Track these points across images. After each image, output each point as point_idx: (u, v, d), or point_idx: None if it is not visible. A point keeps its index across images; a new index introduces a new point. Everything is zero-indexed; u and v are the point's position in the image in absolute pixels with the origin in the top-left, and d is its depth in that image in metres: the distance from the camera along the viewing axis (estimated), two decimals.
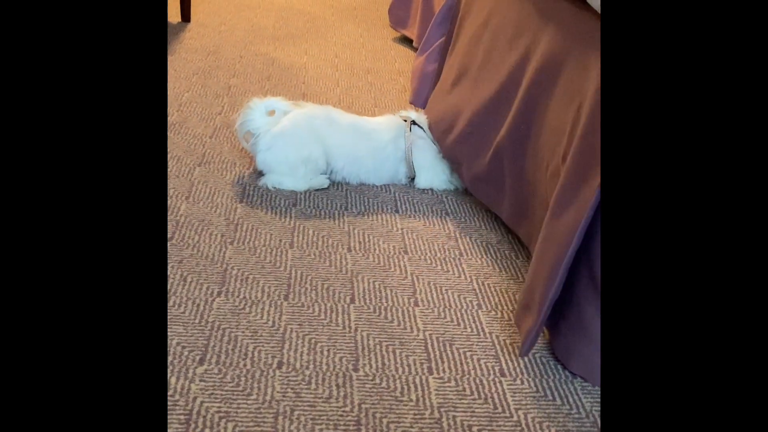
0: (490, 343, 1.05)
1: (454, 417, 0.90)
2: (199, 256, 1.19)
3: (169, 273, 1.13)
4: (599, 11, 0.98)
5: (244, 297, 1.09)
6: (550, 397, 0.95)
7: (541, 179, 1.13)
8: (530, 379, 0.98)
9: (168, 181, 1.41)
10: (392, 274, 1.20)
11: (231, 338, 1.00)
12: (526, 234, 1.20)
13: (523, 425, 0.90)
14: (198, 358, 0.96)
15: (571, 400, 0.95)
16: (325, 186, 1.46)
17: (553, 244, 0.95)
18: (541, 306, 0.94)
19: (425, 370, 0.98)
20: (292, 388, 0.92)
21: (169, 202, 1.34)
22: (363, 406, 0.90)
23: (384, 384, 0.94)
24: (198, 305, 1.06)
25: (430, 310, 1.11)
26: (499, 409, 0.92)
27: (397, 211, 1.41)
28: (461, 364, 1.00)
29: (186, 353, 0.96)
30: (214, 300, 1.08)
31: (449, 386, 0.95)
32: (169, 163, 1.49)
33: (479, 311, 1.12)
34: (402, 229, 1.34)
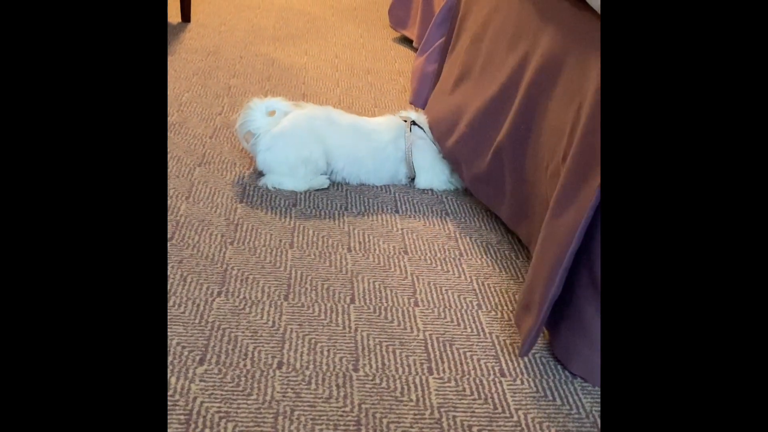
0: (490, 344, 1.05)
1: (454, 417, 0.90)
2: (199, 256, 1.19)
3: (169, 273, 1.13)
4: (599, 11, 0.98)
5: (244, 297, 1.09)
6: (550, 398, 0.95)
7: (541, 179, 1.13)
8: (530, 380, 0.98)
9: (168, 181, 1.41)
10: (392, 275, 1.20)
11: (231, 338, 1.00)
12: (526, 234, 1.20)
13: (523, 425, 0.90)
14: (198, 358, 0.96)
15: (571, 400, 0.95)
16: (325, 186, 1.46)
17: (553, 244, 0.95)
18: (541, 306, 0.94)
19: (425, 371, 0.98)
20: (292, 389, 0.92)
21: (169, 202, 1.34)
22: (363, 406, 0.90)
23: (384, 384, 0.94)
24: (198, 305, 1.06)
25: (430, 311, 1.11)
26: (499, 410, 0.92)
27: (397, 212, 1.41)
28: (461, 364, 1.00)
29: (186, 353, 0.96)
30: (214, 300, 1.08)
31: (449, 386, 0.95)
32: (169, 164, 1.49)
33: (479, 311, 1.12)
34: (402, 229, 1.34)
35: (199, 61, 2.12)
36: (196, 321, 1.03)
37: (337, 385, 0.93)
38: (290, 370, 0.95)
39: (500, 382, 0.97)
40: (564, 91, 1.08)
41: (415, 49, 2.36)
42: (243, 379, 0.93)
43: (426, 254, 1.27)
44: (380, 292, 1.14)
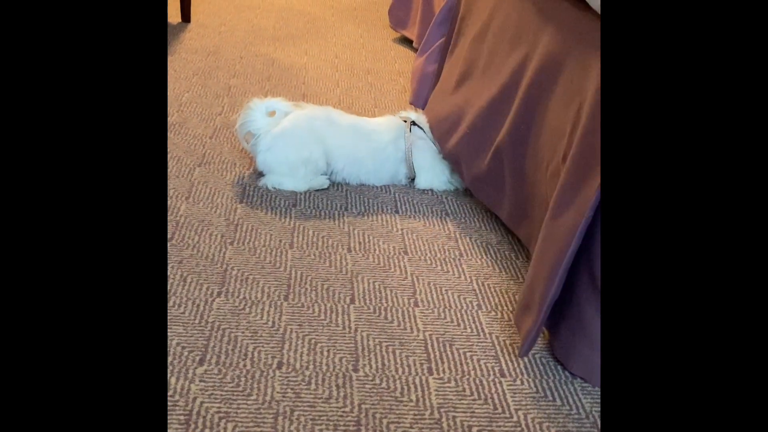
0: (490, 344, 1.05)
1: (454, 417, 0.90)
2: (199, 256, 1.19)
3: (169, 273, 1.13)
4: (599, 12, 0.98)
5: (244, 297, 1.09)
6: (550, 398, 0.95)
7: (541, 179, 1.13)
8: (530, 380, 0.98)
9: (168, 181, 1.41)
10: (392, 275, 1.20)
11: (231, 339, 1.00)
12: (526, 234, 1.20)
13: (523, 426, 0.90)
14: (198, 358, 0.96)
15: (571, 400, 0.95)
16: (325, 186, 1.46)
17: (553, 244, 0.95)
18: (541, 306, 0.94)
19: (425, 371, 0.98)
20: (292, 389, 0.92)
21: (169, 202, 1.34)
22: (363, 406, 0.90)
23: (384, 384, 0.94)
24: (198, 305, 1.06)
25: (430, 311, 1.11)
26: (499, 410, 0.92)
27: (397, 212, 1.41)
28: (461, 364, 1.00)
29: (186, 353, 0.96)
30: (214, 300, 1.08)
31: (449, 387, 0.95)
32: (169, 164, 1.49)
33: (479, 312, 1.12)
34: (402, 229, 1.34)
35: (199, 61, 2.12)
36: (196, 321, 1.03)
37: (337, 386, 0.93)
38: (290, 370, 0.95)
39: (500, 382, 0.97)
40: (564, 91, 1.08)
41: (415, 50, 2.36)
42: (243, 379, 0.93)
43: (426, 254, 1.27)
44: (380, 293, 1.14)
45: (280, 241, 1.26)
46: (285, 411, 0.88)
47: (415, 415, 0.90)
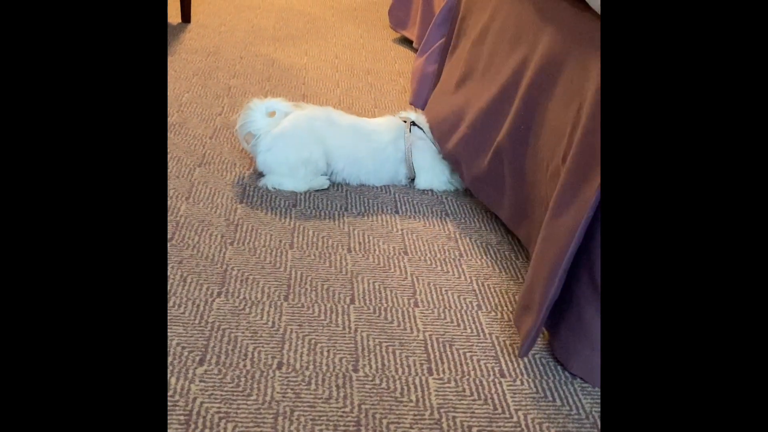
0: (490, 344, 1.05)
1: (453, 418, 0.90)
2: (199, 256, 1.19)
3: (169, 273, 1.13)
4: (599, 12, 0.98)
5: (244, 298, 1.09)
6: (550, 398, 0.95)
7: (541, 180, 1.13)
8: (530, 380, 0.98)
9: (168, 181, 1.41)
10: (392, 275, 1.20)
11: (231, 339, 1.00)
12: (526, 235, 1.20)
13: (523, 426, 0.90)
14: (198, 358, 0.96)
15: (570, 401, 0.95)
16: (325, 187, 1.46)
17: (553, 244, 0.95)
18: (541, 306, 0.94)
19: (425, 371, 0.98)
20: (291, 389, 0.92)
21: (169, 202, 1.34)
22: (363, 406, 0.90)
23: (384, 385, 0.94)
24: (198, 306, 1.06)
25: (430, 311, 1.11)
26: (499, 410, 0.92)
27: (397, 212, 1.41)
28: (461, 364, 1.00)
29: (186, 354, 0.96)
30: (214, 300, 1.08)
31: (449, 387, 0.95)
32: (169, 164, 1.49)
33: (479, 312, 1.12)
34: (402, 229, 1.34)
35: (199, 61, 2.12)
36: (196, 321, 1.03)
37: (337, 386, 0.93)
38: (290, 370, 0.95)
39: (500, 382, 0.97)
40: (564, 92, 1.08)
41: (415, 50, 2.36)
42: (243, 379, 0.93)
43: (426, 255, 1.27)
44: (380, 293, 1.14)
45: (280, 241, 1.26)
46: (285, 411, 0.88)
47: (415, 415, 0.90)
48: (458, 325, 1.08)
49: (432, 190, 1.51)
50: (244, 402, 0.89)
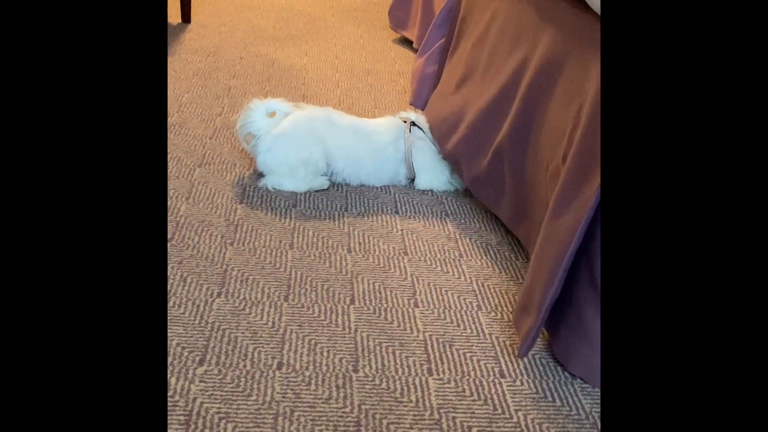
0: (490, 345, 1.05)
1: (453, 418, 0.90)
2: (199, 256, 1.19)
3: (169, 274, 1.13)
4: (599, 12, 0.98)
5: (244, 298, 1.09)
6: (550, 399, 0.95)
7: (541, 180, 1.13)
8: (530, 381, 0.98)
9: (168, 182, 1.42)
10: (392, 275, 1.20)
11: (231, 339, 1.00)
12: (525, 235, 1.20)
13: (523, 426, 0.90)
14: (198, 358, 0.96)
15: (570, 401, 0.95)
16: (325, 187, 1.46)
17: (552, 244, 0.95)
18: (541, 306, 0.94)
19: (425, 371, 0.98)
20: (291, 389, 0.92)
21: (169, 203, 1.34)
22: (363, 407, 0.90)
23: (384, 385, 0.94)
24: (198, 306, 1.06)
25: (430, 311, 1.11)
26: (499, 411, 0.92)
27: (397, 212, 1.41)
28: (461, 365, 1.00)
29: (186, 354, 0.96)
30: (214, 301, 1.08)
31: (449, 387, 0.95)
32: (169, 164, 1.49)
33: (479, 312, 1.12)
34: (402, 230, 1.34)
35: (199, 61, 2.12)
36: (196, 322, 1.03)
37: (337, 386, 0.93)
38: (290, 370, 0.95)
39: (500, 383, 0.97)
40: (564, 92, 1.08)
41: (415, 51, 2.36)
42: (243, 379, 0.93)
43: (426, 255, 1.27)
44: (380, 293, 1.14)
45: (280, 241, 1.26)
46: (285, 411, 0.88)
47: (414, 415, 0.90)
48: (458, 325, 1.08)
49: (432, 191, 1.51)
50: (244, 402, 0.89)
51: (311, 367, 0.96)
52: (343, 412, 0.89)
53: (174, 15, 2.53)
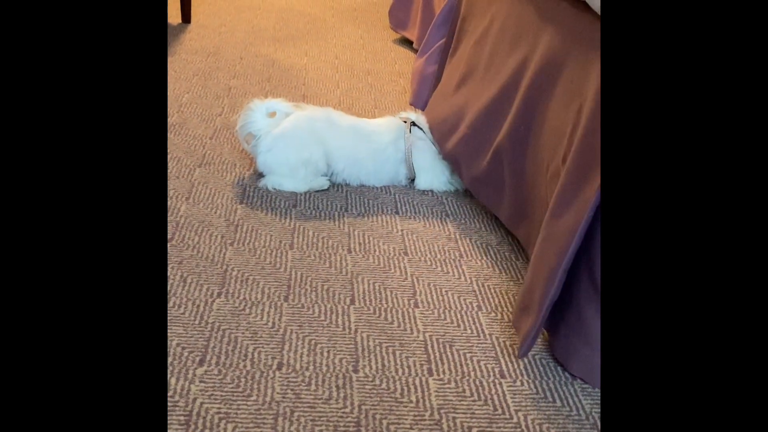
0: (490, 345, 1.05)
1: (454, 418, 0.90)
2: (199, 257, 1.19)
3: (169, 274, 1.13)
4: (599, 12, 0.98)
5: (244, 298, 1.09)
6: (550, 399, 0.95)
7: (541, 180, 1.13)
8: (530, 381, 0.98)
9: (168, 182, 1.41)
10: (392, 276, 1.20)
11: (231, 339, 1.00)
12: (525, 235, 1.20)
13: (523, 427, 0.90)
14: (198, 359, 0.96)
15: (571, 402, 0.95)
16: (325, 187, 1.46)
17: (552, 244, 0.95)
18: (541, 307, 0.94)
19: (425, 372, 0.98)
20: (292, 390, 0.92)
21: (169, 203, 1.34)
22: (363, 407, 0.90)
23: (384, 385, 0.94)
24: (198, 306, 1.06)
25: (430, 312, 1.11)
26: (499, 411, 0.92)
27: (397, 213, 1.41)
28: (461, 365, 1.00)
29: (186, 354, 0.96)
30: (214, 301, 1.08)
31: (449, 388, 0.95)
32: (170, 164, 1.49)
33: (479, 313, 1.12)
34: (402, 230, 1.34)
35: (199, 62, 2.13)
36: (196, 322, 1.03)
37: (337, 387, 0.93)
38: (290, 371, 0.95)
39: (500, 383, 0.97)
40: (564, 92, 1.08)
41: (416, 51, 2.36)
42: (243, 380, 0.93)
43: (426, 255, 1.27)
44: (380, 294, 1.14)
45: (281, 241, 1.26)
46: (285, 412, 0.88)
47: (415, 416, 0.90)
48: (458, 325, 1.08)
49: (432, 191, 1.51)
50: (244, 402, 0.89)
51: (311, 368, 0.96)
52: (343, 413, 0.89)
53: (174, 15, 2.53)
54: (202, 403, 0.88)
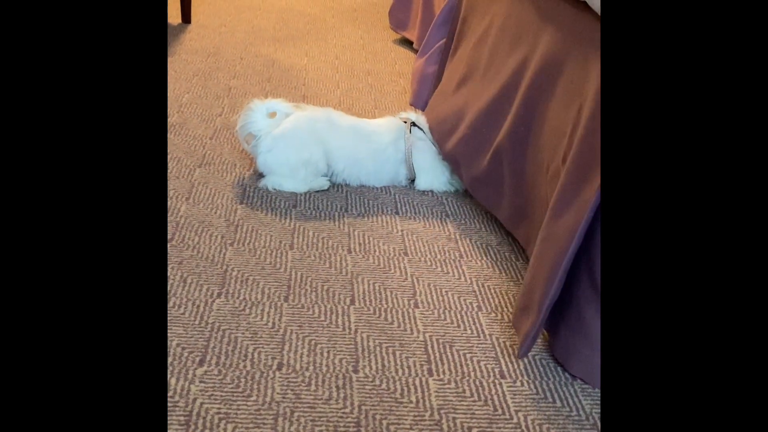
0: (490, 345, 1.05)
1: (454, 419, 0.90)
2: (199, 257, 1.19)
3: (169, 274, 1.13)
4: (599, 12, 0.98)
5: (244, 298, 1.09)
6: (550, 399, 0.95)
7: (541, 181, 1.13)
8: (530, 381, 0.98)
9: (168, 182, 1.42)
10: (392, 276, 1.19)
11: (231, 339, 1.00)
12: (525, 235, 1.20)
13: (523, 427, 0.90)
14: (198, 359, 0.95)
15: (571, 402, 0.95)
16: (326, 188, 1.46)
17: (552, 244, 0.95)
18: (541, 307, 0.94)
19: (425, 372, 0.98)
20: (292, 390, 0.92)
21: (169, 203, 1.34)
22: (363, 407, 0.90)
23: (384, 386, 0.94)
24: (198, 306, 1.06)
25: (430, 312, 1.11)
26: (499, 411, 0.92)
27: (397, 213, 1.41)
28: (461, 365, 1.00)
29: (186, 354, 0.96)
30: (214, 301, 1.08)
31: (449, 388, 0.95)
32: (170, 165, 1.49)
33: (479, 313, 1.12)
34: (402, 230, 1.34)
35: (199, 62, 2.13)
36: (196, 322, 1.03)
37: (337, 387, 0.93)
38: (290, 371, 0.95)
39: (500, 383, 0.97)
40: (564, 93, 1.08)
41: (416, 51, 2.36)
42: (243, 380, 0.93)
43: (426, 256, 1.27)
44: (380, 294, 1.14)
45: (281, 242, 1.26)
46: (285, 412, 0.88)
47: (415, 416, 0.90)
48: (458, 326, 1.08)
49: (432, 191, 1.51)
50: (244, 403, 0.89)
51: (311, 368, 0.96)
52: (343, 413, 0.89)
53: (174, 15, 2.53)
54: (202, 404, 0.88)
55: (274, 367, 0.96)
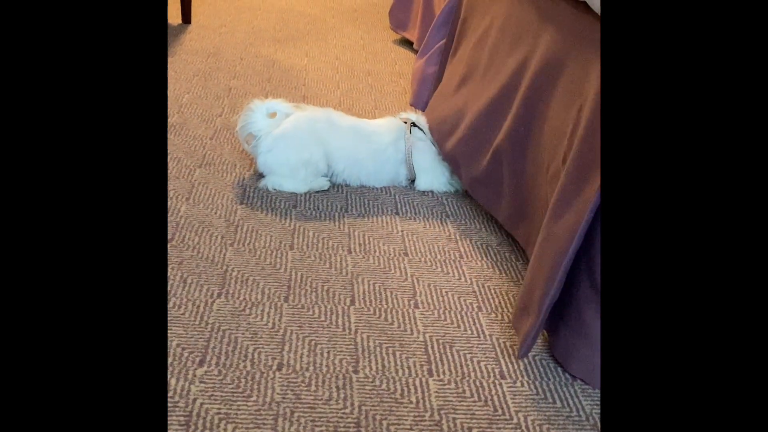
0: (490, 346, 1.04)
1: (454, 419, 0.90)
2: (199, 257, 1.19)
3: (169, 274, 1.13)
4: (599, 13, 0.98)
5: (244, 298, 1.09)
6: (551, 400, 0.95)
7: (541, 181, 1.13)
8: (530, 382, 0.98)
9: (168, 182, 1.42)
10: (392, 276, 1.19)
11: (231, 340, 1.00)
12: (524, 236, 1.20)
13: (523, 428, 0.90)
14: (198, 359, 0.95)
15: (571, 402, 0.95)
16: (326, 188, 1.46)
17: (552, 245, 0.95)
18: (540, 307, 0.94)
19: (425, 372, 0.98)
20: (292, 390, 0.92)
21: (169, 203, 1.34)
22: (363, 408, 0.90)
23: (384, 386, 0.94)
24: (198, 307, 1.06)
25: (430, 312, 1.11)
26: (499, 412, 0.92)
27: (397, 213, 1.41)
28: (461, 366, 1.00)
29: (186, 355, 0.96)
30: (214, 301, 1.08)
31: (449, 388, 0.95)
32: (170, 165, 1.49)
33: (479, 313, 1.12)
34: (402, 231, 1.34)
35: (199, 62, 2.13)
36: (196, 322, 1.03)
37: (337, 387, 0.93)
38: (290, 371, 0.95)
39: (500, 384, 0.97)
40: (564, 93, 1.08)
41: (416, 51, 2.36)
42: (243, 380, 0.93)
43: (426, 256, 1.27)
44: (380, 294, 1.14)
45: (281, 242, 1.26)
46: (285, 412, 0.88)
47: (415, 416, 0.90)
48: (458, 326, 1.08)
49: (432, 192, 1.51)
50: (244, 403, 0.89)
51: (311, 368, 0.96)
52: (344, 413, 0.89)
53: (174, 16, 2.53)
54: (202, 404, 0.88)
55: (274, 367, 0.96)
